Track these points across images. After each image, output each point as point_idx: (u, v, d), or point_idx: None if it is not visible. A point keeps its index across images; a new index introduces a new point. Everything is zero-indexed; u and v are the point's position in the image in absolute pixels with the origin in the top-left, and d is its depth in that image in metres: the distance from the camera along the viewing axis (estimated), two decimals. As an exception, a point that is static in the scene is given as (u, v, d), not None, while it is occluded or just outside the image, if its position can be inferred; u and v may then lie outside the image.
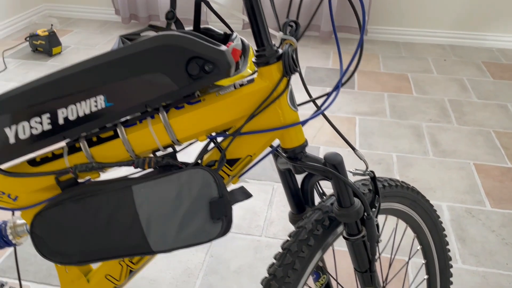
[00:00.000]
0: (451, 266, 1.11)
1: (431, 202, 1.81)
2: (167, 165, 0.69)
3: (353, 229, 0.75)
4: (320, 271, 0.89)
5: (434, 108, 2.52)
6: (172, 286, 1.44)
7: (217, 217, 0.66)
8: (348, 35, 3.47)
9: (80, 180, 0.72)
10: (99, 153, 0.69)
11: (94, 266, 0.81)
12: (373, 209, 0.79)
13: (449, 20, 3.30)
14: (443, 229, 1.06)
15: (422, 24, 3.36)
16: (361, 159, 0.74)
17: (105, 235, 0.67)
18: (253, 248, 1.59)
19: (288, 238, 0.77)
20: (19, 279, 0.92)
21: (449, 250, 1.09)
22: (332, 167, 0.70)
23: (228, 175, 0.73)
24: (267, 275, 0.75)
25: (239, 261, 1.54)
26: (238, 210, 1.77)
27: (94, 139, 0.70)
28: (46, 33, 2.95)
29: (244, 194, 0.78)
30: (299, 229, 0.77)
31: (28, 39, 3.02)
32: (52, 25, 3.21)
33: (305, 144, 0.72)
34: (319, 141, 2.21)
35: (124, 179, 0.69)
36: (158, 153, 0.72)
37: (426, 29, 3.37)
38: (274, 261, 0.76)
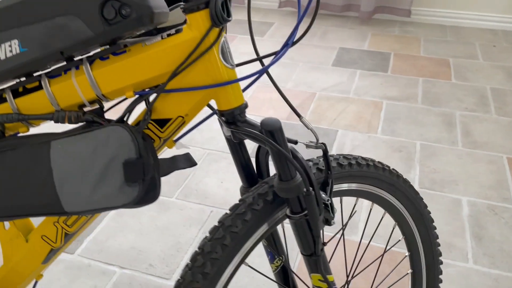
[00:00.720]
0: (441, 263, 0.99)
1: (450, 195, 1.67)
2: (91, 122, 0.64)
3: (295, 206, 0.67)
4: (275, 252, 0.82)
5: (473, 96, 2.32)
6: (159, 259, 1.42)
7: (132, 180, 0.60)
8: (390, 16, 3.27)
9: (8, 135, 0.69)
10: (24, 105, 0.66)
11: (36, 225, 0.78)
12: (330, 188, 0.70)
13: (503, 3, 3.02)
14: (432, 220, 0.95)
15: (472, 7, 3.09)
16: (307, 127, 0.66)
17: (20, 191, 0.64)
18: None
19: (227, 212, 0.70)
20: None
21: (439, 245, 0.97)
22: (268, 133, 0.62)
23: (159, 138, 0.67)
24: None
25: (231, 240, 1.48)
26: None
27: (21, 89, 0.66)
28: None
29: (187, 162, 0.73)
30: (239, 202, 0.70)
31: None
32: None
33: (243, 106, 0.65)
34: (338, 124, 2.09)
35: (47, 134, 0.65)
36: (86, 110, 0.67)
37: (477, 12, 3.10)
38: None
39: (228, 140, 0.74)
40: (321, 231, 0.69)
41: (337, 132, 2.04)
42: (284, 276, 0.85)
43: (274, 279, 0.87)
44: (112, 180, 0.61)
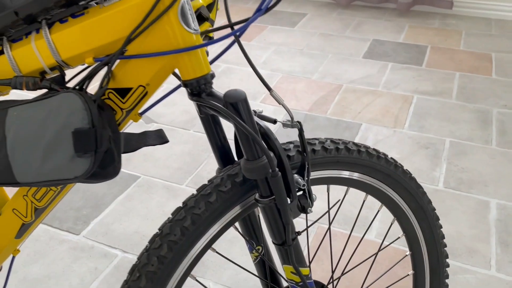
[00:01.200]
0: (448, 265, 0.89)
1: (478, 196, 1.54)
2: (49, 89, 0.61)
3: (264, 189, 0.61)
4: (253, 240, 0.76)
5: (514, 93, 2.14)
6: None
7: (82, 150, 0.56)
8: (430, 8, 3.10)
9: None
10: (-13, 70, 0.63)
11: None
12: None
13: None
14: (437, 218, 0.86)
15: (521, -2, 2.87)
16: (278, 102, 0.59)
17: None
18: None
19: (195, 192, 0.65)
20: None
21: (445, 245, 0.88)
22: (230, 106, 0.57)
23: (121, 109, 0.62)
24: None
25: (237, 230, 1.43)
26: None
27: (-16, 54, 0.63)
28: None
29: (158, 138, 0.68)
30: (207, 183, 0.65)
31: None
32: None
33: (208, 76, 0.59)
34: (362, 118, 1.99)
35: (7, 101, 0.62)
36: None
37: (527, 4, 2.87)
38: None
39: (202, 118, 0.68)
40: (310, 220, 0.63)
41: (361, 126, 1.94)
42: (265, 268, 0.79)
43: (256, 270, 0.81)
44: (62, 150, 0.57)
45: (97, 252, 1.37)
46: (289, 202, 0.62)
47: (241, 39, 2.70)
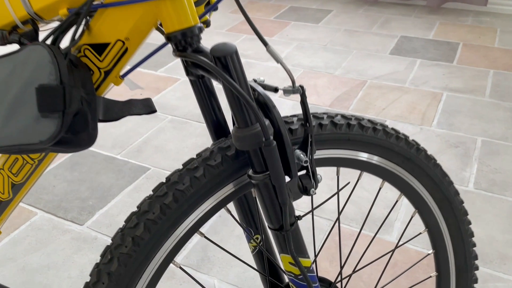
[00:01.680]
0: (477, 268, 0.78)
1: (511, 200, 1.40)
2: (19, 43, 0.54)
3: (257, 163, 0.52)
4: (251, 228, 0.67)
5: (554, 91, 1.98)
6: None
7: (47, 109, 0.49)
8: (463, 5, 2.95)
9: None
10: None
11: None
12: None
13: None
14: (466, 213, 0.75)
15: None
16: (276, 61, 0.50)
17: None
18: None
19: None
20: None
21: (474, 245, 0.77)
22: (218, 61, 0.48)
23: (99, 68, 0.55)
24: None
25: (247, 226, 1.35)
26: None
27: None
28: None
29: (145, 108, 0.61)
30: (195, 156, 0.57)
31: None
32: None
33: (195, 28, 0.51)
34: (387, 114, 1.87)
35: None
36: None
37: None
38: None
39: (191, 81, 0.60)
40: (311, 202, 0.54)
41: (385, 123, 1.82)
42: (264, 260, 0.70)
43: (254, 263, 0.72)
44: (26, 110, 0.50)
45: (100, 243, 1.31)
46: (288, 181, 0.53)
47: (262, 33, 2.62)
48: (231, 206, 1.38)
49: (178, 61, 2.37)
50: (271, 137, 0.49)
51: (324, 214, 1.38)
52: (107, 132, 1.81)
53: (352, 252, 1.24)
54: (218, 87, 1.91)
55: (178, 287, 1.17)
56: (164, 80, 2.20)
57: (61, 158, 1.66)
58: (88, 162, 1.64)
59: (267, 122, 0.51)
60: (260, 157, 0.52)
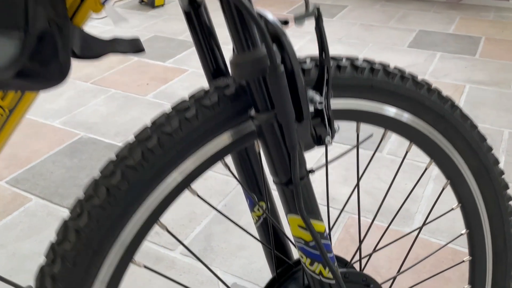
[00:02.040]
0: (518, 253, 0.67)
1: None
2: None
3: (260, 99, 0.42)
4: (257, 195, 0.57)
5: None
6: (168, 228, 1.22)
7: (2, 24, 0.40)
8: (483, 1, 2.84)
9: None
10: None
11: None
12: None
13: None
14: (507, 186, 0.64)
15: None
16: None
17: None
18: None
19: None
20: None
21: (515, 225, 0.66)
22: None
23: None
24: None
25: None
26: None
27: None
28: (152, -14, 2.98)
29: (131, 46, 0.52)
30: (188, 96, 0.47)
31: (137, -9, 3.10)
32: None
33: None
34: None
35: None
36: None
37: None
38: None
39: (186, 15, 0.51)
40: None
41: (403, 114, 1.71)
42: (268, 232, 0.60)
43: (258, 234, 0.62)
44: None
45: (96, 231, 1.22)
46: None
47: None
48: (232, 181, 1.29)
49: (186, 53, 2.30)
50: (279, 62, 0.39)
51: (338, 205, 1.28)
52: (111, 120, 1.73)
53: (371, 241, 1.13)
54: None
55: (177, 278, 1.07)
56: (172, 71, 2.12)
57: (60, 145, 1.58)
58: (89, 149, 1.56)
59: (274, 48, 0.41)
60: (264, 90, 0.42)
